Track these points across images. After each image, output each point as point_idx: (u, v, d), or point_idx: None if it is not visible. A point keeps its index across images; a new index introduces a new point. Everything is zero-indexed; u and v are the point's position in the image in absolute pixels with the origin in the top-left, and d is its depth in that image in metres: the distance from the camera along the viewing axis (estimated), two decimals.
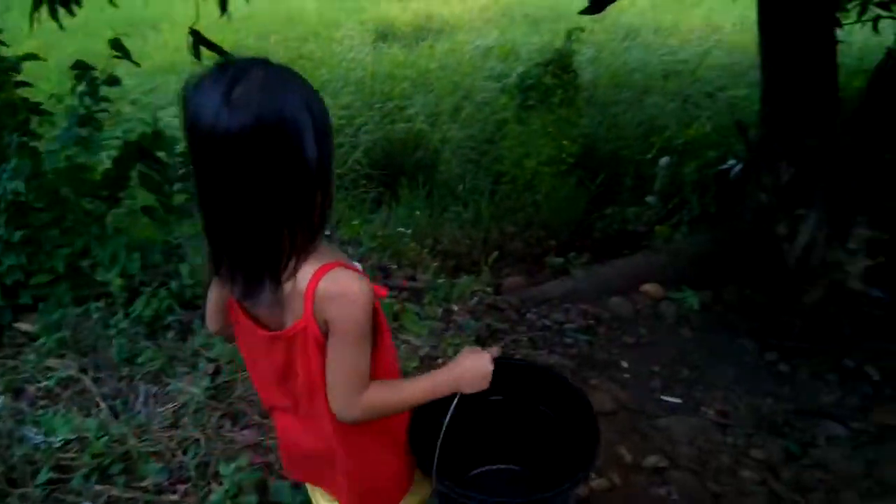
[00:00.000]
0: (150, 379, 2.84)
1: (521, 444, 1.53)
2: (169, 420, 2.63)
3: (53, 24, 3.01)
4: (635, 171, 5.41)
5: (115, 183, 3.36)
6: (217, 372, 2.80)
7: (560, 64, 5.25)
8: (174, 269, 3.14)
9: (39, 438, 2.42)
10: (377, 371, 1.21)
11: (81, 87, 3.26)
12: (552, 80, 5.27)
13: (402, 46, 8.70)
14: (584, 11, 3.86)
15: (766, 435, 2.93)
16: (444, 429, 1.25)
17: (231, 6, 2.95)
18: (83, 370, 2.86)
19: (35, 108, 3.41)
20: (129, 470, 2.39)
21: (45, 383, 2.80)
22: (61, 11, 3.00)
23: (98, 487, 2.29)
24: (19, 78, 3.36)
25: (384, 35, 9.24)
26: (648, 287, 3.90)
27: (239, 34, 8.52)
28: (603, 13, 3.95)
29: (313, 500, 1.52)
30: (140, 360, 2.86)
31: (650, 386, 3.24)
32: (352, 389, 1.16)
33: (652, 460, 2.71)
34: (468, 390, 1.27)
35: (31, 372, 2.89)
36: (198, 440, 2.49)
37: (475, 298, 3.63)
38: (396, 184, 5.63)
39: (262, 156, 1.00)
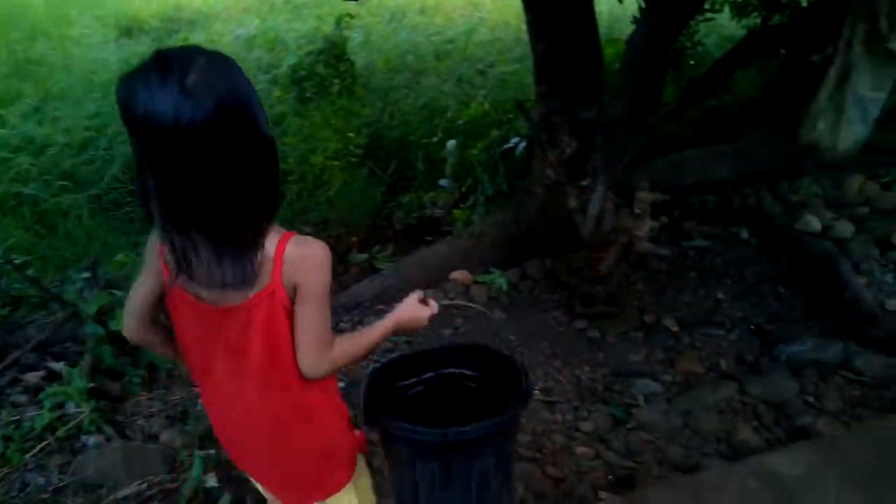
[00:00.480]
0: None
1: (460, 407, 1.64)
2: None
3: None
4: (425, 155, 5.33)
5: None
6: None
7: (333, 52, 4.98)
8: None
9: None
10: None
11: None
12: (327, 70, 5.00)
13: (151, 42, 7.82)
14: None
15: (591, 404, 3.00)
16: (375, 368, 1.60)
17: None
18: None
19: None
20: None
21: None
22: None
23: None
24: None
25: (128, 30, 8.25)
26: (456, 275, 3.84)
27: None
28: None
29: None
30: None
31: None
32: (324, 346, 1.24)
33: None
34: (406, 334, 1.60)
35: None
36: None
37: None
38: None
39: (229, 138, 1.04)
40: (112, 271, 3.22)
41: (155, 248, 1.23)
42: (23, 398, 2.61)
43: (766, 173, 4.33)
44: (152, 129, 1.01)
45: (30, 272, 3.69)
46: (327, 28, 6.13)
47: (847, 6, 3.61)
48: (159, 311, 1.32)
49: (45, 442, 2.40)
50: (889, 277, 3.45)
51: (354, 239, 4.88)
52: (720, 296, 3.74)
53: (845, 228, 3.79)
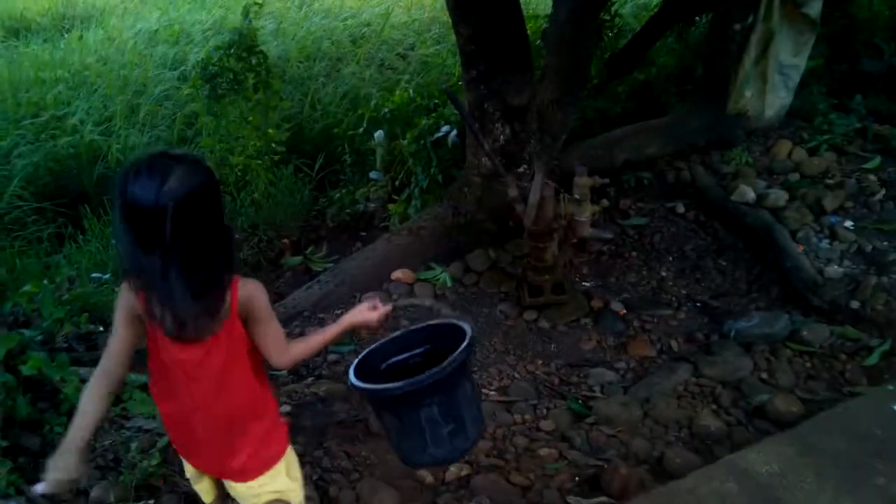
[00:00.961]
0: None
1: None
2: None
3: None
4: (352, 147, 5.12)
5: None
6: None
7: (243, 45, 4.67)
8: None
9: None
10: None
11: None
12: (239, 64, 4.69)
13: (43, 42, 7.23)
14: None
15: (549, 400, 2.92)
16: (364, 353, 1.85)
17: None
18: None
19: None
20: None
21: None
22: None
23: None
24: None
25: (15, 31, 7.60)
26: (399, 274, 3.69)
27: None
28: None
29: (201, 487, 1.82)
30: None
31: None
32: (283, 345, 1.60)
33: (453, 471, 2.50)
34: (358, 334, 1.95)
35: None
36: None
37: None
38: (78, 213, 4.63)
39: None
40: (22, 305, 2.88)
41: (129, 300, 1.50)
42: None
43: (697, 146, 4.34)
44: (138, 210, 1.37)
45: None
46: (234, 18, 5.78)
47: None
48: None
49: None
50: (825, 244, 3.50)
51: (286, 241, 4.64)
52: (663, 274, 3.73)
53: (779, 196, 3.83)
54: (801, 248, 3.51)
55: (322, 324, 3.44)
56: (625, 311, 3.46)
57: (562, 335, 3.35)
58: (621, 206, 4.16)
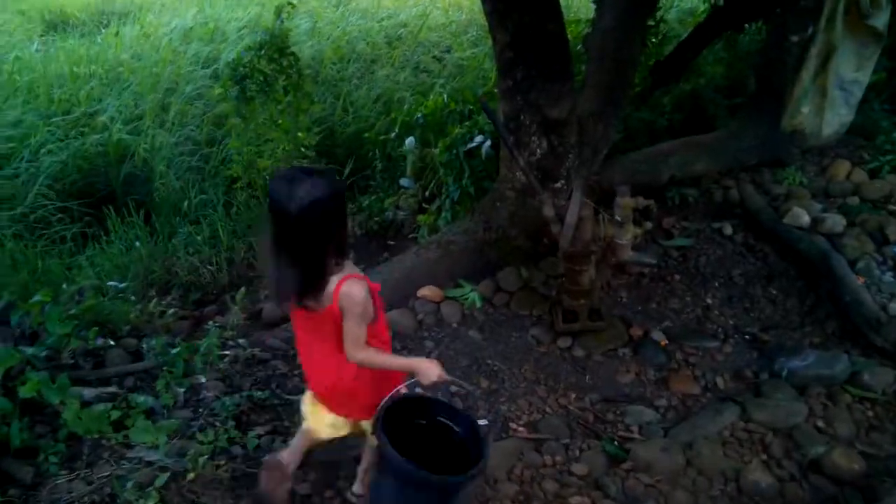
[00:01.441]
0: None
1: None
2: None
3: None
4: (383, 153, 4.95)
5: None
6: None
7: (275, 46, 4.54)
8: None
9: None
10: (374, 338, 1.95)
11: None
12: (270, 66, 4.56)
13: (80, 37, 7.22)
14: None
15: (582, 440, 2.70)
16: (392, 394, 1.98)
17: None
18: None
19: None
20: None
21: None
22: None
23: None
24: None
25: (54, 25, 7.61)
26: (426, 291, 3.50)
27: None
28: None
29: (314, 412, 2.11)
30: None
31: None
32: (356, 345, 1.87)
33: None
34: (419, 378, 1.93)
35: None
36: None
37: (228, 355, 2.91)
38: (102, 213, 4.54)
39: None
40: (30, 316, 2.76)
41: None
42: None
43: (748, 164, 4.07)
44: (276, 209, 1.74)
45: None
46: (269, 16, 5.64)
47: None
48: None
49: None
50: (888, 276, 3.22)
51: None
52: (709, 301, 3.48)
53: (837, 222, 3.55)
54: (861, 280, 3.23)
55: None
56: (666, 341, 3.22)
57: (597, 365, 3.13)
58: (664, 224, 3.92)
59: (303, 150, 4.75)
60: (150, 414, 2.35)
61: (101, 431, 2.21)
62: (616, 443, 2.66)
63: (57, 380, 2.20)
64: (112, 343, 2.75)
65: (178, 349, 2.67)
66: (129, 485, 1.98)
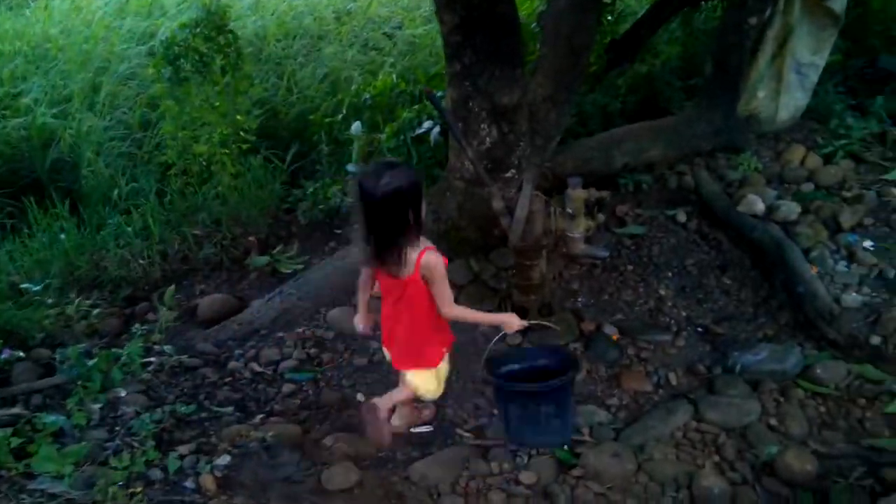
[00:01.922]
0: None
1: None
2: None
3: None
4: (330, 136, 4.73)
5: None
6: None
7: (212, 23, 4.25)
8: None
9: None
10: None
11: None
12: (206, 45, 4.27)
13: (7, 10, 6.74)
14: None
15: None
16: (492, 344, 2.48)
17: None
18: None
19: None
20: None
21: None
22: None
23: None
24: None
25: None
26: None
27: None
28: None
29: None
30: None
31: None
32: (449, 302, 2.29)
33: None
34: (505, 329, 2.40)
35: None
36: None
37: (153, 363, 2.70)
38: (24, 203, 4.23)
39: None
40: None
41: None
42: None
43: (704, 150, 3.97)
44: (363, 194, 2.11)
45: None
46: None
47: None
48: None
49: None
50: (842, 266, 3.16)
51: (253, 239, 4.26)
52: (662, 292, 3.39)
53: (791, 209, 3.47)
54: (814, 270, 3.17)
55: (281, 343, 3.11)
56: (618, 335, 3.12)
57: None
58: (618, 212, 3.80)
59: (242, 134, 4.49)
60: (59, 436, 2.14)
61: (0, 462, 1.99)
62: (566, 447, 2.55)
63: None
64: (21, 355, 2.51)
65: (95, 360, 2.45)
66: None
